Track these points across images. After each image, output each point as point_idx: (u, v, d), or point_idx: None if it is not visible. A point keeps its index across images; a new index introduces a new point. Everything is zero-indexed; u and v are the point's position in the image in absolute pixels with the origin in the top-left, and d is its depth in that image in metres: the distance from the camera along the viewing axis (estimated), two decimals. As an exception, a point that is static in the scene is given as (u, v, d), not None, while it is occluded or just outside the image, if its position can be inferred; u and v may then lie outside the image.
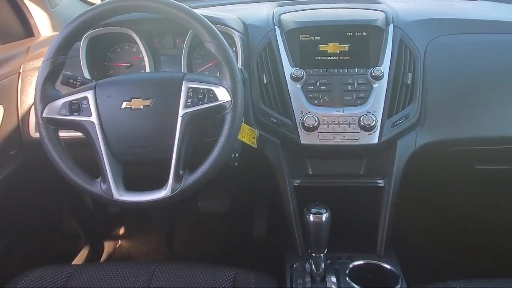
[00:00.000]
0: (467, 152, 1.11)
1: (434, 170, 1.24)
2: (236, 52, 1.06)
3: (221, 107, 0.84)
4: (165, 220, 1.77)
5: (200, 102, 0.85)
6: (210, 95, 0.85)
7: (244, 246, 1.63)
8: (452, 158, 1.15)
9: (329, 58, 1.07)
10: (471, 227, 1.51)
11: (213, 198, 1.63)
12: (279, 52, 1.06)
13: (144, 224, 1.76)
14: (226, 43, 0.86)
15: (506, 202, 1.45)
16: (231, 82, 0.84)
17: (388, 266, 0.98)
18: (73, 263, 1.53)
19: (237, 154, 1.01)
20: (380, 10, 1.14)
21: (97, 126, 0.86)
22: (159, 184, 0.86)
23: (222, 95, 0.84)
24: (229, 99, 0.84)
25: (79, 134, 0.89)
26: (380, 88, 1.01)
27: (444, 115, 1.06)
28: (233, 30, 1.06)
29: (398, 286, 0.93)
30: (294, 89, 1.03)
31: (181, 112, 0.85)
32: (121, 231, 1.77)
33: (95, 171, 0.88)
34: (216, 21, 1.01)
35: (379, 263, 0.99)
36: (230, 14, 1.15)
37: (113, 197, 0.85)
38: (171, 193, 0.84)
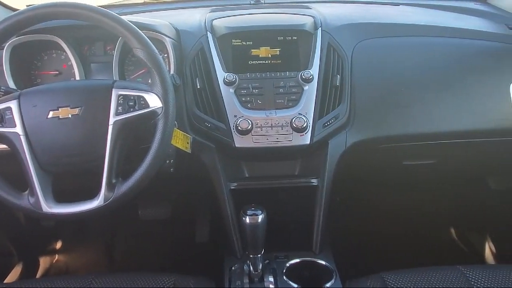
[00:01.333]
0: (395, 149, 1.17)
1: (365, 167, 1.29)
2: (168, 58, 1.06)
3: (153, 114, 0.84)
4: (104, 230, 1.72)
5: (131, 109, 0.84)
6: (141, 102, 0.85)
7: (186, 252, 1.62)
8: (381, 155, 1.21)
9: (261, 62, 1.10)
10: (401, 220, 1.59)
11: (153, 205, 1.61)
12: (212, 58, 1.07)
13: (81, 236, 1.70)
14: (155, 49, 0.86)
15: (432, 195, 1.54)
16: (162, 89, 0.84)
17: (323, 262, 1.01)
18: (5, 281, 1.45)
19: (172, 160, 1.00)
20: (309, 15, 1.18)
21: (22, 137, 0.83)
22: (92, 194, 0.84)
23: (153, 101, 0.84)
24: (161, 105, 0.84)
25: (3, 146, 0.85)
26: (311, 90, 1.05)
27: (371, 114, 1.11)
28: (164, 36, 1.06)
29: (332, 280, 0.96)
30: (227, 93, 1.04)
31: (111, 120, 0.84)
32: (58, 245, 1.70)
33: (23, 184, 0.85)
34: (145, 27, 1.00)
35: (315, 260, 1.02)
36: (162, 20, 1.15)
37: (42, 210, 0.82)
38: (104, 203, 0.83)
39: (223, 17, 1.19)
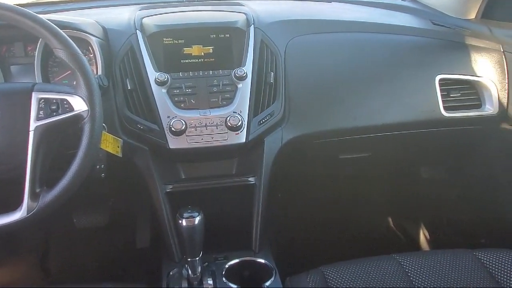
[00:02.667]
0: (331, 143, 1.19)
1: (303, 162, 1.31)
2: (94, 58, 1.01)
3: (78, 118, 0.80)
4: (37, 242, 1.63)
5: (54, 113, 0.80)
6: (65, 106, 0.80)
7: (126, 258, 1.57)
8: (318, 150, 1.23)
9: (193, 61, 1.07)
10: (341, 213, 1.63)
11: (90, 212, 1.54)
12: (142, 57, 1.03)
13: (12, 250, 1.60)
14: (78, 49, 0.81)
15: (368, 187, 1.59)
16: (87, 91, 0.80)
17: (262, 261, 1.01)
18: None
19: (102, 165, 0.96)
20: (242, 12, 1.17)
21: None
22: (15, 205, 0.79)
23: (78, 104, 0.80)
24: (86, 108, 0.80)
25: None
26: (245, 88, 1.04)
27: (306, 110, 1.12)
28: (89, 35, 1.01)
29: (272, 279, 0.96)
30: (159, 93, 1.01)
31: (32, 125, 0.79)
32: (-15, 261, 1.59)
33: None
34: (67, 26, 0.95)
35: (254, 259, 1.02)
36: (87, 18, 1.09)
37: None
38: (27, 214, 0.78)
39: (154, 15, 1.15)
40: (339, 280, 0.93)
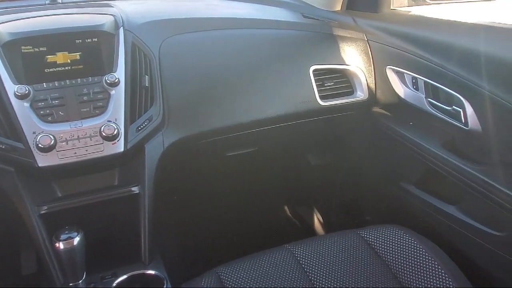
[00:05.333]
0: (216, 142, 1.18)
1: (190, 165, 1.29)
2: None
3: None
4: None
5: None
6: None
7: (12, 286, 1.43)
8: (203, 150, 1.21)
9: (59, 69, 0.99)
10: (235, 210, 1.64)
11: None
12: None
13: None
14: None
15: (260, 180, 1.62)
16: None
17: (152, 272, 0.97)
18: None
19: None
20: (110, 14, 1.11)
21: None
22: None
23: None
24: None
25: None
26: (118, 95, 0.98)
27: (186, 112, 1.10)
28: None
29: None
30: (21, 108, 0.92)
31: None
32: None
33: None
34: None
35: (143, 271, 0.98)
36: None
37: None
38: None
39: (8, 21, 1.04)
40: (235, 279, 0.93)
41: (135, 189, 1.02)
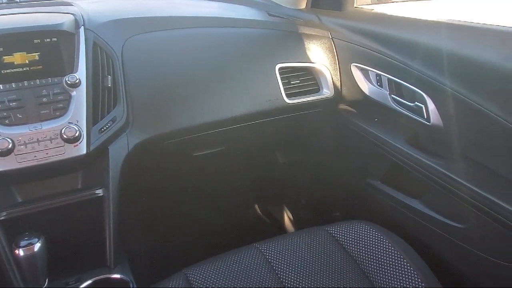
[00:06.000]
0: (182, 143, 1.17)
1: (157, 165, 1.27)
2: None
3: None
4: None
5: None
6: None
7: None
8: (171, 151, 1.20)
9: (17, 70, 0.96)
10: (204, 210, 1.63)
11: None
12: None
13: None
14: None
15: (229, 179, 1.61)
16: None
17: (117, 276, 0.96)
18: None
19: None
20: (70, 13, 1.08)
21: None
22: None
23: None
24: None
25: None
26: (80, 96, 0.96)
27: (151, 112, 1.08)
28: None
29: None
30: None
31: None
32: None
33: None
34: None
35: (108, 275, 0.96)
36: None
37: None
38: None
39: None
40: (203, 280, 0.92)
41: (99, 192, 1.00)
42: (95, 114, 0.97)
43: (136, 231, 1.43)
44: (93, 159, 0.99)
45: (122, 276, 0.95)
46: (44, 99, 0.94)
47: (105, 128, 0.98)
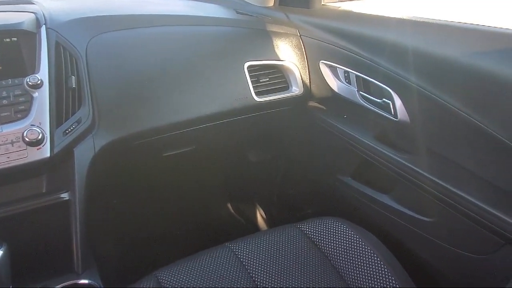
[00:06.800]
0: (152, 143, 1.15)
1: (126, 167, 1.25)
2: None
3: None
4: None
5: None
6: None
7: None
8: (139, 152, 1.18)
9: None
10: (176, 211, 1.61)
11: None
12: None
13: None
14: None
15: (201, 179, 1.60)
16: None
17: (85, 281, 0.94)
18: None
19: None
20: (30, 12, 1.04)
21: None
22: None
23: None
24: None
25: None
26: (42, 97, 0.93)
27: (118, 113, 1.06)
28: None
29: None
30: None
31: None
32: None
33: None
34: None
35: (76, 281, 0.94)
36: None
37: None
38: None
39: None
40: (174, 281, 0.91)
41: (65, 196, 0.97)
42: (59, 116, 0.94)
43: (106, 234, 1.40)
44: (58, 162, 0.96)
45: (90, 281, 0.93)
46: (4, 101, 0.91)
47: (69, 130, 0.95)
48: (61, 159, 0.95)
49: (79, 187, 0.96)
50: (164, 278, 0.92)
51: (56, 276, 0.94)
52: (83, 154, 0.98)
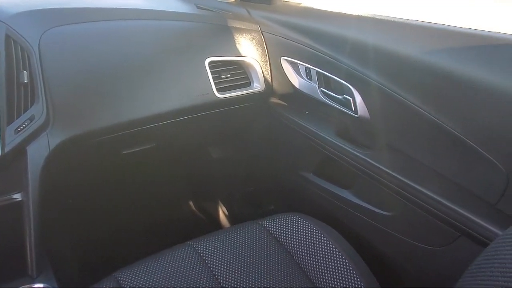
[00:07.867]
0: (110, 141, 1.11)
1: (84, 166, 1.21)
2: None
3: None
4: None
5: None
6: None
7: None
8: (97, 150, 1.14)
9: None
10: (138, 210, 1.58)
11: None
12: None
13: None
14: None
15: (162, 177, 1.57)
16: None
17: (40, 285, 0.90)
18: None
19: None
20: None
21: None
22: None
23: None
24: None
25: None
26: None
27: (74, 110, 1.02)
28: None
29: None
30: None
31: None
32: None
33: None
34: None
35: (30, 285, 0.90)
36: None
37: None
38: None
39: None
40: (135, 282, 0.89)
41: (17, 197, 0.92)
42: (10, 113, 0.90)
43: (62, 235, 1.35)
44: (9, 162, 0.91)
45: (46, 285, 0.89)
46: None
47: (22, 127, 0.91)
48: (13, 158, 0.91)
49: (32, 187, 0.92)
50: (124, 279, 0.90)
51: (9, 280, 0.90)
52: (37, 153, 0.94)
